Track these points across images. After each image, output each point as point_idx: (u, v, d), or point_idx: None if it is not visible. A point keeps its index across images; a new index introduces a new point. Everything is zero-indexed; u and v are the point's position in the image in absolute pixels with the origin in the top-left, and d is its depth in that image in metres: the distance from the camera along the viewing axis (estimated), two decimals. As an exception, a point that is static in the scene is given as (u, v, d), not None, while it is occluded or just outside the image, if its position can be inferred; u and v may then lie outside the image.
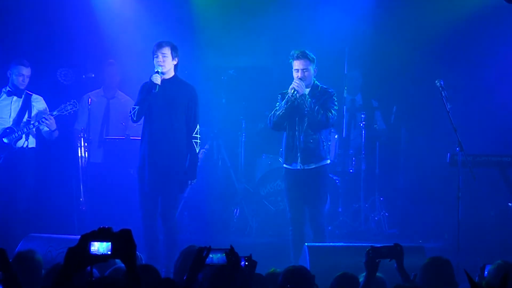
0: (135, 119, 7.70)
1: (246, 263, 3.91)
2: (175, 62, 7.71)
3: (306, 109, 7.52)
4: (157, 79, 7.57)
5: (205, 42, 10.12)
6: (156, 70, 7.63)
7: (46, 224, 8.57)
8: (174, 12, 9.98)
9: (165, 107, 7.64)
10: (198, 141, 7.73)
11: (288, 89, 7.60)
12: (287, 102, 7.57)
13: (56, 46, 9.59)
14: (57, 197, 9.21)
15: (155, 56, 7.67)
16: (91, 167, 9.19)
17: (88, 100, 9.33)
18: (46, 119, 8.51)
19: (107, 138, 9.41)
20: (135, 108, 7.66)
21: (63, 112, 8.59)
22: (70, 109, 8.60)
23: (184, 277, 3.97)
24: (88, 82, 9.61)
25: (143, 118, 7.71)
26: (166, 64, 7.66)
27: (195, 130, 7.68)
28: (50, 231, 7.76)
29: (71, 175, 9.29)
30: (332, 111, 7.61)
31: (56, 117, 8.57)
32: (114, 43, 9.89)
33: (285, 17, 10.11)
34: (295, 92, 7.53)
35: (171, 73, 7.71)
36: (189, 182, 7.77)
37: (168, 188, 7.66)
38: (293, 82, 7.58)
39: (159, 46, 7.67)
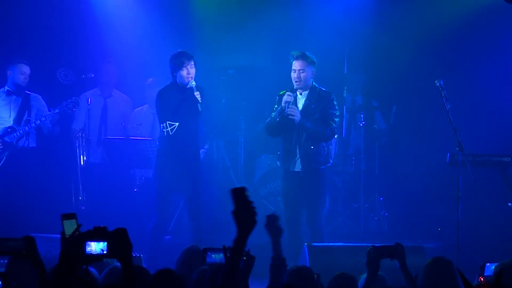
0: (171, 134, 7.57)
1: (244, 258, 3.88)
2: None
3: (307, 131, 7.44)
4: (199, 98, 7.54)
5: (204, 42, 10.10)
6: (190, 86, 7.51)
7: (45, 224, 8.55)
8: (173, 12, 9.96)
9: (190, 114, 7.61)
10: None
11: (287, 89, 7.55)
12: (280, 113, 7.46)
13: (56, 46, 9.58)
14: (56, 197, 9.19)
15: (182, 68, 7.51)
16: (90, 167, 9.17)
17: (88, 100, 9.30)
18: (46, 117, 8.51)
19: (107, 138, 9.39)
20: (174, 125, 7.57)
21: (65, 110, 8.59)
22: (72, 106, 8.60)
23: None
24: (88, 82, 9.59)
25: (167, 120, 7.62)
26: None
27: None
28: (50, 231, 7.75)
29: (70, 175, 9.28)
30: (335, 119, 7.53)
31: (57, 115, 8.57)
32: (114, 43, 9.88)
33: (285, 17, 10.11)
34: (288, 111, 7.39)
35: None
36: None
37: (192, 186, 7.72)
38: (286, 95, 7.45)
39: (188, 58, 7.51)
